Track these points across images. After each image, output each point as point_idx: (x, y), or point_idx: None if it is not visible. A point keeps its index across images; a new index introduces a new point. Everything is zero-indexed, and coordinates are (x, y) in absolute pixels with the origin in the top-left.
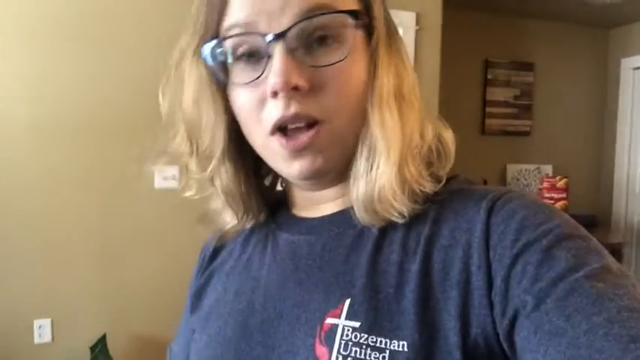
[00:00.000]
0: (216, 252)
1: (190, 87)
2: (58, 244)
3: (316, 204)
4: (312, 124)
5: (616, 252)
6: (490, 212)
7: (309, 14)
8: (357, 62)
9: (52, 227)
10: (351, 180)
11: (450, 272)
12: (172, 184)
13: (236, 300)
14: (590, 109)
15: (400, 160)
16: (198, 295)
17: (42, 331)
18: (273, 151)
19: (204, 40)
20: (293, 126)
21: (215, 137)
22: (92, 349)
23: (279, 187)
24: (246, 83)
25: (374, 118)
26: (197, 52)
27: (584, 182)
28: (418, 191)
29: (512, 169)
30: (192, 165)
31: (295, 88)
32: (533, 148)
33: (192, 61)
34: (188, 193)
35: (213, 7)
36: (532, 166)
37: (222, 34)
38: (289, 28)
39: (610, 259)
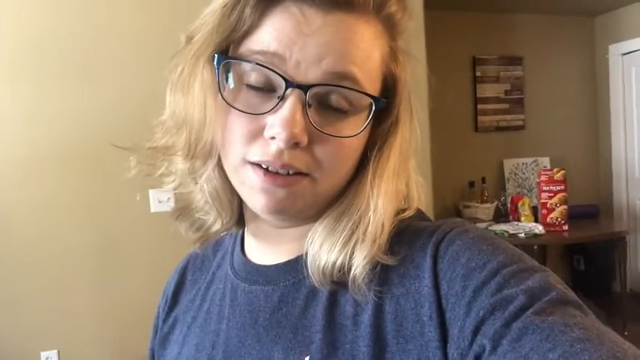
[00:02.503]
0: (177, 293)
1: (200, 86)
2: (60, 275)
3: (273, 244)
4: (296, 173)
5: (621, 241)
6: (436, 258)
7: (340, 80)
8: (361, 137)
9: (53, 260)
10: (316, 239)
11: (403, 323)
12: (168, 207)
13: (197, 356)
14: (583, 98)
15: (382, 242)
16: (162, 344)
17: None
18: (242, 179)
19: (220, 50)
20: (275, 170)
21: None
22: None
23: None
24: (247, 113)
25: (373, 195)
26: (211, 57)
27: (584, 172)
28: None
29: (509, 164)
30: (180, 164)
31: (295, 144)
32: (528, 141)
33: (206, 64)
34: (170, 186)
35: (241, 22)
36: (529, 160)
37: (243, 54)
38: (315, 85)
39: (559, 287)
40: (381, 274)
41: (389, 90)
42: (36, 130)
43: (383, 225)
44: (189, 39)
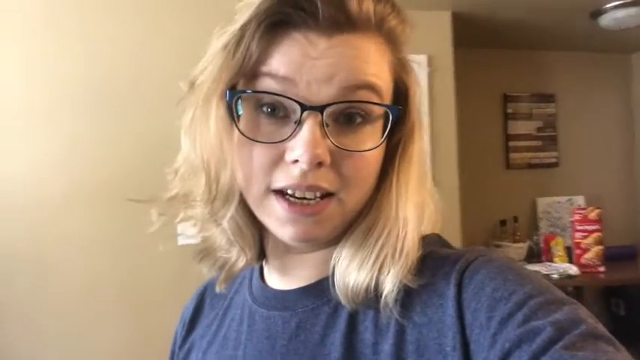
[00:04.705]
0: (194, 318)
1: (215, 125)
2: (89, 308)
3: (292, 269)
4: (323, 195)
5: None
6: (460, 287)
7: (355, 93)
8: (380, 149)
9: (83, 293)
10: (343, 258)
11: (425, 354)
12: (195, 239)
13: None
14: (619, 136)
15: (413, 257)
16: None
17: None
18: (267, 210)
19: (230, 86)
20: (302, 195)
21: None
22: None
23: None
24: (267, 143)
25: (400, 206)
26: (223, 94)
27: (621, 211)
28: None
29: (543, 203)
30: (200, 208)
31: (319, 164)
32: (562, 179)
33: (219, 102)
34: (193, 230)
35: (247, 57)
36: (563, 198)
37: (254, 86)
38: (329, 104)
39: (589, 320)
40: (404, 298)
41: (400, 99)
42: (72, 169)
43: (413, 238)
44: (192, 84)
